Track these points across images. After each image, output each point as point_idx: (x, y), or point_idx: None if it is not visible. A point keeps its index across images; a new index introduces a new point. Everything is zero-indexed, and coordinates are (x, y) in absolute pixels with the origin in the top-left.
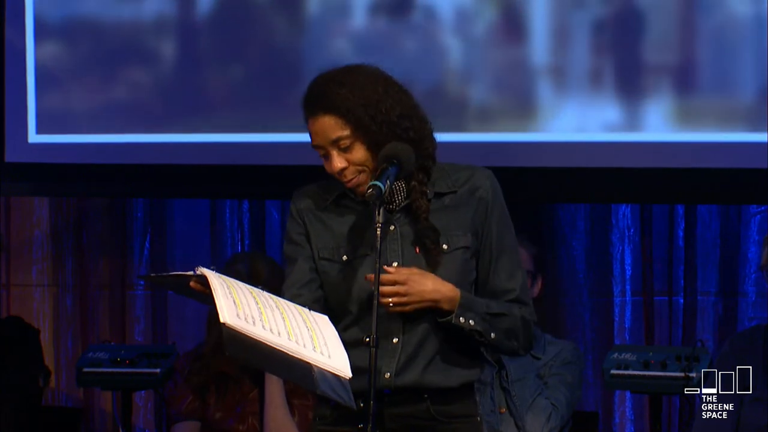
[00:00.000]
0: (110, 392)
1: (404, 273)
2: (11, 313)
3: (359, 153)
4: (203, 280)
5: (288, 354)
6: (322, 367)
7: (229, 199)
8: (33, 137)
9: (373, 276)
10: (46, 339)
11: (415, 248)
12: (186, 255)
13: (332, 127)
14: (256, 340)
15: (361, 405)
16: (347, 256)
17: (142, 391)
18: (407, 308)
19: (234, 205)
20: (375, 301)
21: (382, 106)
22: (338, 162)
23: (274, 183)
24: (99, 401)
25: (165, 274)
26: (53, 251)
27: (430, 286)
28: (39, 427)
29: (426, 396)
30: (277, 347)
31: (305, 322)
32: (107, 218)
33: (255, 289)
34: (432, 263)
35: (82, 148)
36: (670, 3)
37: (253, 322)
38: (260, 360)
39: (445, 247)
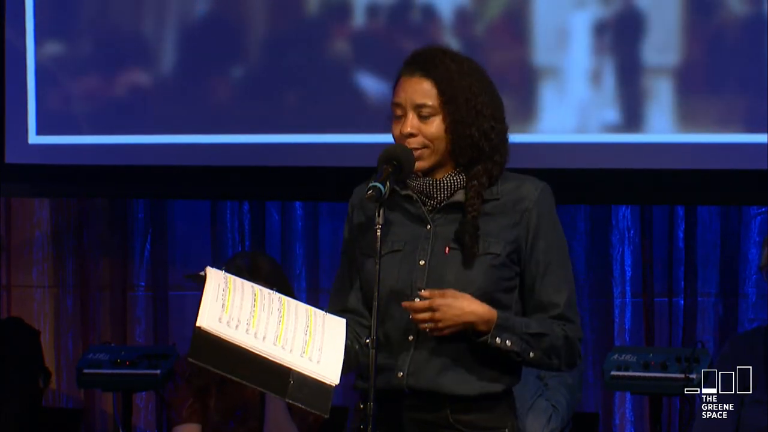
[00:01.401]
0: (110, 393)
1: (438, 300)
2: (12, 314)
3: (434, 127)
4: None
5: (265, 358)
6: (303, 372)
7: (229, 200)
8: (33, 138)
9: (408, 303)
10: (46, 340)
11: (446, 249)
12: (186, 256)
13: (423, 91)
14: (230, 343)
15: (361, 406)
16: (384, 250)
17: (143, 392)
18: (444, 332)
19: (234, 206)
20: (375, 302)
21: (480, 98)
22: (410, 126)
23: (274, 184)
24: (99, 402)
25: (189, 274)
26: (54, 252)
27: (465, 308)
28: (39, 428)
29: (446, 402)
30: (253, 350)
31: (307, 327)
32: (108, 219)
33: (265, 290)
34: (459, 264)
35: (83, 149)
36: (670, 4)
37: (236, 326)
38: (230, 365)
39: (475, 250)
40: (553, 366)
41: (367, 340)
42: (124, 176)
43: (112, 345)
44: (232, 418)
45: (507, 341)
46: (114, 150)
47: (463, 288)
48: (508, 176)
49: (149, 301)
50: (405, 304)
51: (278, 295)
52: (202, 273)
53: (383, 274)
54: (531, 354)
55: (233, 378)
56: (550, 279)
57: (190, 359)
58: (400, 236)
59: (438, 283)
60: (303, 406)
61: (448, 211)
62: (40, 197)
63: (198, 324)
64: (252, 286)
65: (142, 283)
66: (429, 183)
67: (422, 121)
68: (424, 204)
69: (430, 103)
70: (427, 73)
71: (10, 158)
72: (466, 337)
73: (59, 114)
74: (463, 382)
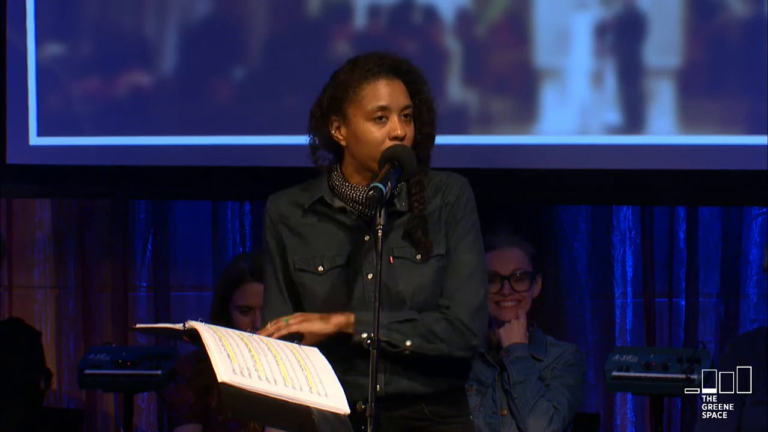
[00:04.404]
0: (112, 394)
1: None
2: (13, 315)
3: (412, 130)
4: (194, 334)
5: (287, 401)
6: (321, 408)
7: (230, 200)
8: (34, 139)
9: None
10: (48, 341)
11: (389, 258)
12: (188, 256)
13: (405, 94)
14: (252, 392)
15: (362, 407)
16: (322, 267)
17: (144, 393)
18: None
19: (236, 207)
20: (376, 303)
21: (433, 104)
22: (402, 128)
23: (275, 184)
24: (101, 403)
25: (156, 325)
26: (55, 253)
27: (315, 327)
28: (41, 429)
29: (420, 399)
30: (276, 396)
31: (299, 361)
32: (109, 220)
33: (245, 334)
34: (406, 273)
35: (84, 150)
36: (671, 5)
37: (249, 375)
38: (260, 414)
39: (418, 257)
40: (443, 351)
41: (369, 341)
42: (125, 177)
43: (113, 345)
44: (233, 418)
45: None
46: (115, 151)
47: (416, 294)
48: (433, 175)
49: (151, 302)
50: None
51: (256, 336)
52: (181, 327)
53: (330, 290)
54: (408, 342)
55: (267, 425)
56: (452, 268)
57: (231, 416)
58: (339, 250)
59: (390, 294)
60: None
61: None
62: (42, 198)
63: (220, 380)
64: (235, 332)
65: (144, 284)
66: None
67: (406, 123)
68: (361, 214)
69: (410, 104)
70: (401, 76)
71: (11, 159)
72: None
73: (60, 115)
74: (434, 382)
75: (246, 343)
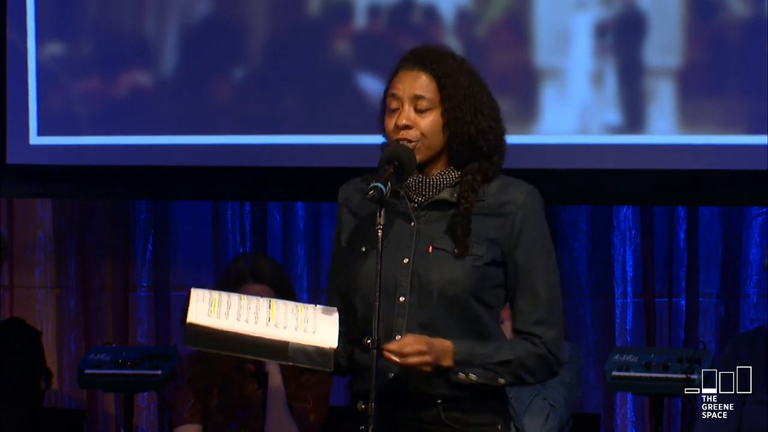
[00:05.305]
0: (112, 394)
1: (407, 349)
2: (14, 314)
3: (430, 122)
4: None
5: (259, 336)
6: (302, 342)
7: (230, 200)
8: (34, 139)
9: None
10: (48, 341)
11: (429, 248)
12: (188, 256)
13: (423, 84)
14: (222, 330)
15: (362, 407)
16: (365, 247)
17: (145, 393)
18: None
19: (236, 207)
20: (377, 303)
21: (479, 96)
22: (405, 117)
23: (275, 185)
24: (102, 403)
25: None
26: (56, 253)
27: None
28: (42, 429)
29: (437, 401)
30: (247, 333)
31: (299, 310)
32: (110, 220)
33: (253, 297)
34: (443, 265)
35: (84, 150)
36: (671, 5)
37: (226, 316)
38: (224, 345)
39: (456, 251)
40: (527, 383)
41: (368, 341)
42: (125, 177)
43: (114, 345)
44: (233, 418)
45: (471, 375)
46: (115, 150)
47: (446, 288)
48: (497, 178)
49: (151, 302)
50: (387, 355)
51: (264, 298)
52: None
53: (366, 271)
54: (501, 380)
55: (229, 354)
56: (528, 287)
57: (184, 345)
58: (384, 232)
59: (421, 283)
60: (307, 366)
61: (432, 209)
62: (42, 198)
63: (187, 322)
64: (237, 295)
65: (144, 284)
66: (419, 180)
67: (418, 114)
68: (411, 200)
69: (428, 96)
70: (426, 67)
71: (11, 159)
72: (457, 334)
73: (60, 115)
74: (452, 384)
75: (242, 299)
